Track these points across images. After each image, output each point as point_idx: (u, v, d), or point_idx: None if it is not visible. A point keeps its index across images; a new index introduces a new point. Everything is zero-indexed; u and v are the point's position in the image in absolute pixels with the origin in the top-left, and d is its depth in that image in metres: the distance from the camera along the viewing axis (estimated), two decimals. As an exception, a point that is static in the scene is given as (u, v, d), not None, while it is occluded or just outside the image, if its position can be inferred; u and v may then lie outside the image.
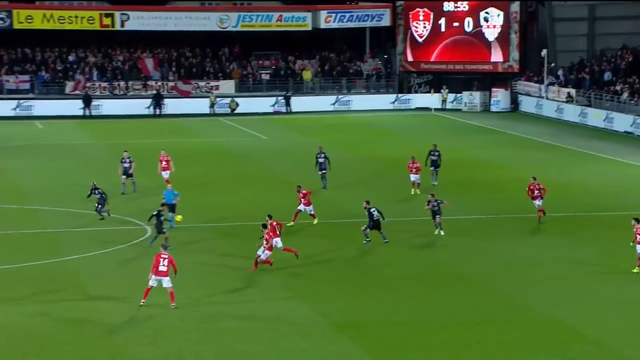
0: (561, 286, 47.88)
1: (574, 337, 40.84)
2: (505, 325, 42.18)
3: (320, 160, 69.90)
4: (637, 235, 48.20)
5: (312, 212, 59.25)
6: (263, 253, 48.39)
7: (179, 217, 48.23)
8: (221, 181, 75.09)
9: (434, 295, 46.53)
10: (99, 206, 59.20)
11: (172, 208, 56.22)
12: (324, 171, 69.89)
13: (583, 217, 62.94)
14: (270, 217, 49.70)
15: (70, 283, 48.11)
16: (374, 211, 54.88)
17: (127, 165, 68.09)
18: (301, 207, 59.19)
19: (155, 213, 52.81)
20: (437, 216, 55.22)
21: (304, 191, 59.42)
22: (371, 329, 42.19)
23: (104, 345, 39.67)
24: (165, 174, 68.70)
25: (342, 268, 51.26)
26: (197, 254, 51.83)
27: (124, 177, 68.11)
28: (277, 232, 49.51)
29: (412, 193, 67.99)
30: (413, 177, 68.54)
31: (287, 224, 56.15)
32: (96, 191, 59.27)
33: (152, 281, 43.21)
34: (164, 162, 69.52)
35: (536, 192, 58.68)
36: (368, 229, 54.20)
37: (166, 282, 43.13)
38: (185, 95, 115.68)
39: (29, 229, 58.45)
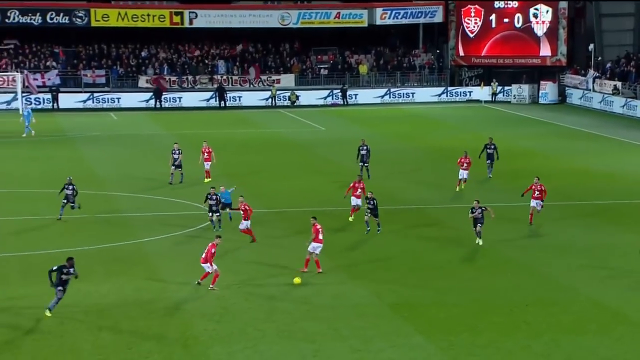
0: (605, 269, 47.84)
1: (619, 319, 40.76)
2: (553, 307, 42.09)
3: (363, 152, 69.04)
4: None
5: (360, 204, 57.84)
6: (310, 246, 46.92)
7: (297, 280, 44.64)
8: (281, 169, 75.15)
9: (484, 278, 46.53)
10: (66, 202, 56.34)
11: (229, 206, 55.47)
12: (366, 164, 68.93)
13: (628, 204, 62.62)
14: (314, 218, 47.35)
15: (141, 264, 48.65)
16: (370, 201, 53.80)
17: (176, 156, 67.57)
18: (354, 200, 57.62)
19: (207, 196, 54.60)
20: (479, 225, 51.27)
21: (361, 185, 57.70)
22: (423, 309, 42.27)
23: (173, 321, 39.97)
24: (207, 165, 68.53)
25: (396, 253, 51.34)
26: (258, 237, 51.94)
27: (172, 167, 67.67)
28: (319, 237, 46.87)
29: (457, 190, 65.30)
30: (462, 172, 65.24)
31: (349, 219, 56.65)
32: (70, 186, 56.36)
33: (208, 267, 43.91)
34: (205, 154, 68.80)
35: (536, 192, 55.10)
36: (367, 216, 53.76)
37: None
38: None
39: (104, 213, 58.91)
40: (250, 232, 51.99)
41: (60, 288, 39.57)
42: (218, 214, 54.11)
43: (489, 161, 69.58)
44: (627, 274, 47.22)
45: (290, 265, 48.18)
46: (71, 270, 40.09)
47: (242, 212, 51.99)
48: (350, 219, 56.78)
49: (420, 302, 43.24)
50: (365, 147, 69.08)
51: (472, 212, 50.77)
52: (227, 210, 55.45)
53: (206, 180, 67.00)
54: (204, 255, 43.86)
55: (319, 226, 46.41)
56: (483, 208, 50.91)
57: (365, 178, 65.99)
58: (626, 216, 59.21)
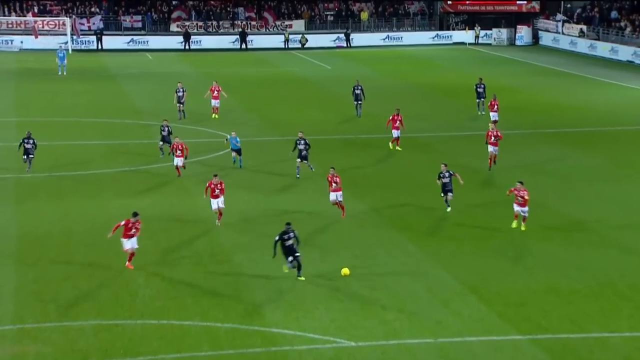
0: (572, 190, 48.37)
1: (580, 226, 41.40)
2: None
3: (357, 92, 67.51)
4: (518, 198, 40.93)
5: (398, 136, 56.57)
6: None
7: (345, 270, 35.04)
8: (293, 102, 75.35)
9: (466, 195, 46.37)
10: (28, 156, 50.52)
11: (238, 152, 52.23)
12: (359, 102, 67.46)
13: (593, 131, 63.03)
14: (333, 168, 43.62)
15: (174, 183, 49.11)
16: (300, 143, 50.44)
17: (180, 94, 66.23)
18: (395, 133, 56.31)
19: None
20: (450, 194, 43.49)
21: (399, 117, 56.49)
22: (414, 222, 42.84)
23: (202, 233, 40.38)
24: (216, 102, 67.17)
25: (393, 175, 51.84)
26: (276, 161, 52.02)
27: (179, 105, 66.09)
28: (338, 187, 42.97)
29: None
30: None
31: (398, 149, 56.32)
32: (29, 140, 50.55)
33: (214, 205, 41.56)
34: (215, 92, 67.32)
35: (492, 139, 49.27)
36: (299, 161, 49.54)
37: (220, 203, 41.41)
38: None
39: (142, 140, 59.21)
40: (178, 169, 49.90)
41: (291, 259, 34.10)
42: (169, 143, 52.47)
43: (479, 99, 68.05)
44: (588, 190, 47.75)
45: (299, 183, 48.56)
46: (291, 234, 34.58)
47: (178, 151, 49.58)
48: (397, 148, 56.43)
49: (411, 216, 43.73)
50: (359, 87, 67.74)
51: (440, 177, 43.47)
52: (234, 154, 52.42)
53: (214, 115, 66.34)
54: (217, 192, 41.40)
55: (336, 178, 42.73)
56: (451, 173, 43.49)
57: (355, 115, 66.37)
58: (590, 142, 59.50)
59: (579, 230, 41.64)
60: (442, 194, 43.54)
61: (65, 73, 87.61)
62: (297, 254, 34.37)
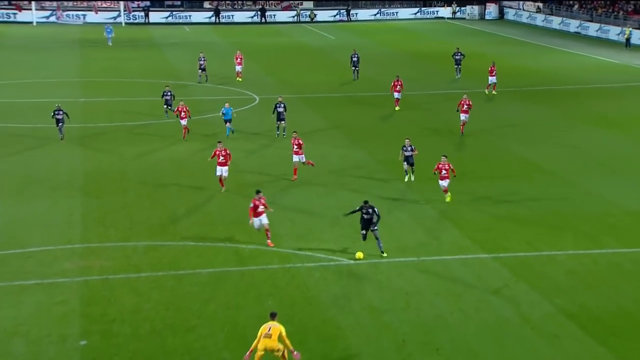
0: (530, 136, 48.39)
1: (535, 168, 41.45)
2: (492, 163, 42.87)
3: (354, 59, 66.51)
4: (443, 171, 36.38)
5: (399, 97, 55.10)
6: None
7: (360, 255, 29.84)
8: (304, 66, 74.99)
9: (443, 141, 46.62)
10: (61, 124, 46.43)
11: (229, 121, 47.53)
12: (356, 67, 66.33)
13: (551, 89, 62.81)
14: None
15: (212, 136, 48.77)
16: (280, 106, 47.17)
17: (202, 62, 64.71)
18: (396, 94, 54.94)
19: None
20: (412, 166, 39.04)
21: (399, 82, 54.93)
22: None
23: (230, 171, 40.77)
24: (239, 68, 66.12)
25: (384, 126, 51.63)
26: (296, 114, 52.11)
27: (199, 70, 64.76)
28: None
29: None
30: (463, 116, 48.48)
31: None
32: (59, 112, 46.32)
33: (218, 172, 37.57)
34: (238, 59, 66.51)
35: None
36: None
37: (225, 172, 37.47)
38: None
39: (181, 97, 59.26)
40: (185, 130, 46.98)
41: (364, 232, 30.61)
42: (170, 106, 51.22)
43: (456, 66, 66.96)
44: (544, 138, 47.89)
45: (309, 130, 48.72)
46: (369, 210, 30.52)
47: (182, 113, 46.82)
48: (397, 108, 55.10)
49: (393, 159, 43.31)
50: (356, 55, 66.94)
51: (403, 151, 38.93)
52: (227, 124, 47.67)
53: (238, 79, 65.39)
54: (222, 160, 37.58)
55: (298, 141, 39.14)
56: (413, 148, 38.72)
57: (353, 79, 65.64)
58: (548, 98, 59.48)
59: (536, 170, 41.78)
60: (405, 165, 38.91)
61: (111, 44, 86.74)
62: (375, 228, 30.36)
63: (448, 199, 36.23)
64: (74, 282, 28.21)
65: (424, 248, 31.47)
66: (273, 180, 39.63)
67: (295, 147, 39.16)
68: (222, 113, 47.96)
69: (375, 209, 30.19)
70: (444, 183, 36.11)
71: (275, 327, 22.01)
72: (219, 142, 38.47)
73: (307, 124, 50.59)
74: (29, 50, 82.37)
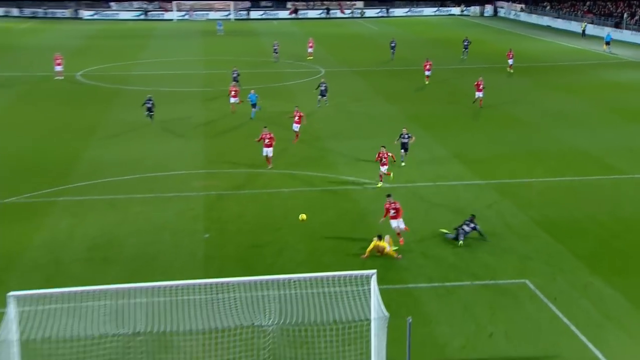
0: (512, 95, 47.48)
1: (513, 121, 40.80)
2: (455, 105, 42.53)
3: (392, 45, 64.93)
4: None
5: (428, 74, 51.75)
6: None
7: (303, 216, 23.70)
8: (356, 48, 73.96)
9: (458, 106, 46.16)
10: (149, 112, 40.28)
11: (254, 106, 41.29)
12: (393, 50, 64.48)
13: (527, 66, 61.51)
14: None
15: (288, 94, 48.05)
16: (322, 85, 43.91)
17: (276, 47, 62.25)
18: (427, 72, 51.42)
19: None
20: (406, 152, 32.56)
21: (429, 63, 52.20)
22: (429, 120, 41.66)
23: (312, 125, 40.62)
24: (311, 50, 63.92)
25: (412, 90, 51.06)
26: (353, 84, 51.58)
27: (274, 53, 62.42)
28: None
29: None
30: (478, 94, 44.22)
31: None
32: (149, 101, 40.36)
33: (264, 152, 32.07)
34: (310, 44, 64.96)
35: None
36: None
37: (270, 152, 31.74)
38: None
39: (270, 69, 58.99)
40: (233, 106, 42.10)
41: (402, 151, 30.34)
42: (237, 82, 46.91)
43: (464, 49, 64.80)
44: (526, 101, 47.11)
45: (358, 92, 48.35)
46: (407, 135, 30.33)
47: (233, 92, 42.40)
48: (426, 82, 52.30)
49: (427, 115, 42.94)
50: (394, 41, 65.83)
51: (400, 138, 32.58)
52: (253, 109, 41.44)
53: (309, 58, 63.91)
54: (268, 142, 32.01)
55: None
56: (409, 135, 32.54)
57: (391, 58, 63.87)
58: (528, 72, 58.26)
59: (518, 123, 41.28)
60: (402, 151, 32.43)
61: (221, 34, 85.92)
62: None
63: (391, 178, 29.84)
64: (200, 196, 28.84)
65: (439, 175, 31.45)
66: (337, 133, 39.63)
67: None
68: (248, 99, 41.64)
69: (477, 227, 24.23)
70: (383, 169, 29.42)
71: (385, 242, 22.58)
72: (265, 127, 32.80)
73: (357, 89, 50.48)
74: (171, 38, 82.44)
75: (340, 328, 16.43)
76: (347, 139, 37.41)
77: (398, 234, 23.72)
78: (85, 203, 27.84)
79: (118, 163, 32.94)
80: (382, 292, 15.90)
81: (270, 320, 16.41)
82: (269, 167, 31.81)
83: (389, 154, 29.54)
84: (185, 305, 16.88)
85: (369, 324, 16.04)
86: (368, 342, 16.15)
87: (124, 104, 45.32)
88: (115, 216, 26.47)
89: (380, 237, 22.72)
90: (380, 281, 16.14)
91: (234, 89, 43.00)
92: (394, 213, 23.59)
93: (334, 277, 16.33)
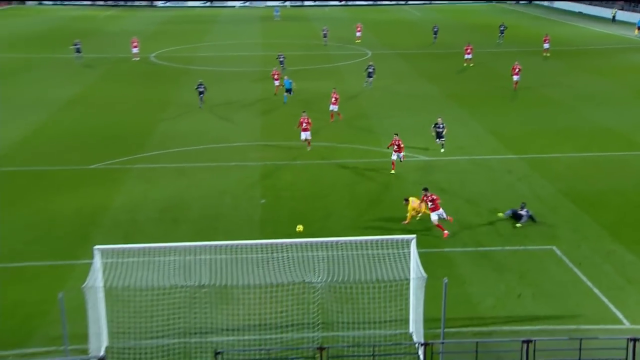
0: (548, 76, 46.21)
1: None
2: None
3: (435, 29, 63.65)
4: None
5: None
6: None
7: (300, 228, 21.02)
8: (399, 32, 72.52)
9: (489, 79, 45.24)
10: (200, 95, 38.67)
11: (289, 91, 39.42)
12: (435, 35, 62.91)
13: (561, 49, 59.57)
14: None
15: (337, 74, 47.80)
16: (370, 67, 42.61)
17: (325, 32, 60.37)
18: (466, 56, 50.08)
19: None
20: (443, 139, 30.04)
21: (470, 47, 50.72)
22: (464, 98, 41.13)
23: (350, 103, 40.35)
24: (359, 34, 62.66)
25: (448, 70, 50.42)
26: (394, 55, 50.96)
27: (324, 39, 60.52)
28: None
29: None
30: (515, 77, 42.78)
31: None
32: (201, 86, 38.76)
33: (303, 136, 30.48)
34: (358, 28, 63.30)
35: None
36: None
37: (308, 135, 30.23)
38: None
39: (318, 51, 58.72)
40: (277, 89, 40.50)
41: (437, 140, 29.23)
42: (282, 65, 46.06)
43: (500, 34, 62.71)
44: (557, 82, 45.79)
45: (401, 73, 47.70)
46: (441, 125, 29.41)
47: (276, 75, 40.77)
48: (468, 65, 50.84)
49: (465, 94, 42.23)
50: (436, 27, 64.58)
51: (435, 127, 30.31)
52: (286, 93, 39.54)
53: (357, 41, 62.81)
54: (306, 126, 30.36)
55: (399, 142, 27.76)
56: (444, 125, 30.03)
57: (433, 42, 62.34)
58: (559, 55, 56.40)
59: (550, 102, 40.28)
60: (437, 140, 30.26)
61: (278, 19, 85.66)
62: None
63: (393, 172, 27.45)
64: (257, 165, 29.02)
65: (472, 150, 31.00)
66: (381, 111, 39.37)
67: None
68: (283, 84, 39.87)
69: (530, 212, 22.82)
70: (395, 156, 27.37)
71: (413, 204, 22.32)
72: (303, 111, 31.32)
73: (399, 70, 49.87)
74: (233, 23, 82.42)
75: (382, 286, 16.48)
76: (390, 116, 37.01)
77: (439, 226, 21.25)
78: (158, 170, 28.35)
79: (185, 135, 33.34)
80: (421, 255, 15.87)
81: (319, 278, 16.55)
82: (309, 149, 30.37)
83: (401, 142, 27.20)
84: (244, 262, 17.13)
85: (408, 284, 16.11)
86: (407, 299, 16.25)
87: (191, 83, 45.74)
88: (183, 182, 26.90)
89: (407, 200, 22.63)
90: (419, 245, 16.16)
91: (276, 72, 41.95)
92: (432, 205, 21.60)
93: (377, 240, 16.37)
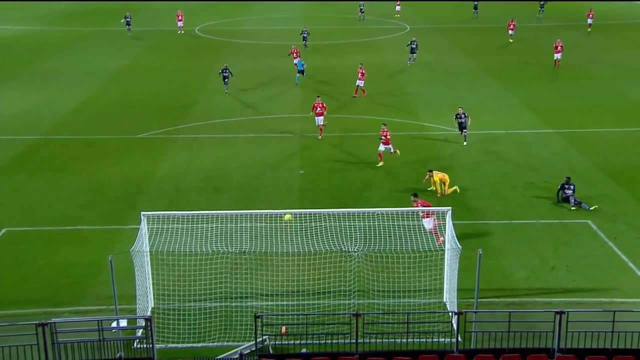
0: (580, 51, 44.90)
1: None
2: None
3: (475, 2, 61.53)
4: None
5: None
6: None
7: (287, 217, 17.74)
8: (440, 7, 70.55)
9: (515, 54, 44.17)
10: (227, 79, 35.62)
11: (302, 72, 38.10)
12: (476, 9, 61.09)
13: (610, 24, 57.54)
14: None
15: (376, 49, 47.41)
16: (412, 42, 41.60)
17: (362, 7, 59.78)
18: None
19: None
20: (465, 131, 27.43)
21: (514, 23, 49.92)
22: (500, 72, 40.44)
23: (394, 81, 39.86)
24: (398, 8, 62.32)
25: (486, 44, 49.32)
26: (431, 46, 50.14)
27: (360, 14, 59.84)
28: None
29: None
30: (557, 55, 41.28)
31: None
32: (225, 71, 35.68)
33: (317, 121, 28.47)
34: (398, 2, 62.93)
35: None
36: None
37: (321, 121, 28.14)
38: None
39: (359, 39, 58.03)
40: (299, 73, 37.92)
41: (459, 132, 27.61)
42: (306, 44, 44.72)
43: (540, 9, 60.85)
44: (599, 58, 44.44)
45: (439, 47, 46.89)
46: (463, 115, 27.42)
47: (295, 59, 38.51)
48: (511, 40, 49.29)
49: (502, 69, 41.41)
50: (476, 1, 62.76)
51: (457, 118, 27.74)
52: (298, 74, 38.04)
53: (396, 15, 61.71)
54: (319, 110, 28.47)
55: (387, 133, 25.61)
56: (466, 115, 27.48)
57: (474, 17, 60.70)
58: (605, 32, 54.67)
59: (591, 78, 39.13)
60: (459, 131, 27.81)
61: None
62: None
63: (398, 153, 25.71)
64: (296, 136, 29.05)
65: (511, 124, 30.45)
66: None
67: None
68: (295, 64, 38.77)
69: (574, 186, 21.77)
70: (382, 148, 25.32)
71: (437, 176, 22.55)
72: (318, 96, 29.59)
73: (438, 44, 49.05)
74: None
75: (417, 256, 16.49)
76: (427, 90, 36.50)
77: (433, 232, 18.16)
78: (200, 140, 28.63)
79: (227, 106, 33.52)
80: (456, 227, 15.80)
81: (356, 247, 16.61)
82: (319, 137, 27.94)
83: (388, 133, 25.04)
84: (283, 230, 17.28)
85: (443, 254, 16.09)
86: (442, 269, 16.23)
87: (232, 55, 45.79)
88: (225, 152, 27.13)
89: (431, 172, 22.60)
90: (454, 217, 16.03)
91: (295, 50, 40.26)
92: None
93: (413, 211, 16.31)
